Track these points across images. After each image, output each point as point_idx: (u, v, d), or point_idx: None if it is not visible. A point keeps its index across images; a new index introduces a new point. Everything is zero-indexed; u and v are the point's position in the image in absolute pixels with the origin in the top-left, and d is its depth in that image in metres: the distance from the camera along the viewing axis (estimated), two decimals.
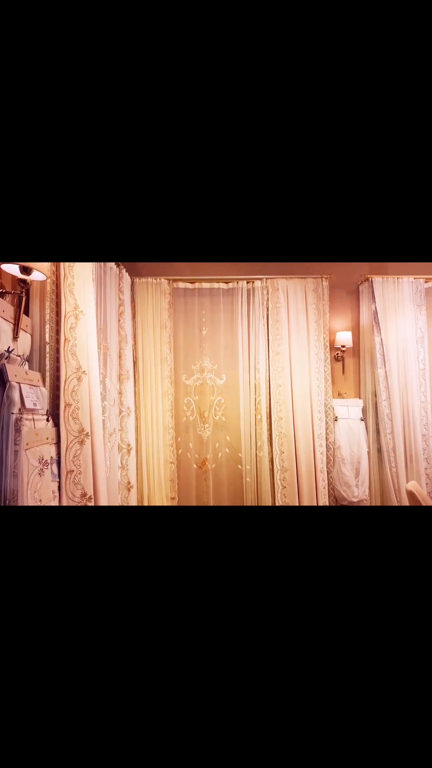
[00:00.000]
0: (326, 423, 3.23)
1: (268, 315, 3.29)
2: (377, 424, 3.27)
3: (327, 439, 3.22)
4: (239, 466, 3.34)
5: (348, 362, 3.46)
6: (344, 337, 3.36)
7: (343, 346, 3.37)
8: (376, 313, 3.27)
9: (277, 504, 3.06)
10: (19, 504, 1.26)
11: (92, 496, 1.71)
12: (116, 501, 2.81)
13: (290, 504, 3.07)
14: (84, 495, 1.68)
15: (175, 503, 3.32)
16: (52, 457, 1.54)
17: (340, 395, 3.40)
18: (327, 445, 3.21)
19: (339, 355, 3.42)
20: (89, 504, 1.70)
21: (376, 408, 3.27)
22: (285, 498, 3.07)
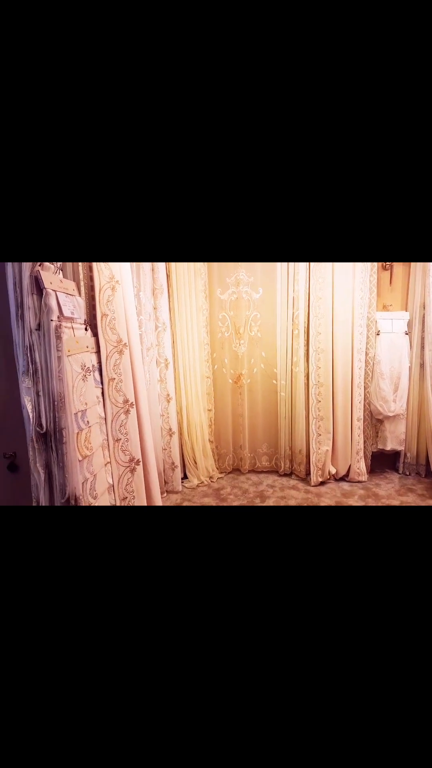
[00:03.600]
0: (367, 337, 3.09)
1: None
2: (422, 339, 3.07)
3: (367, 353, 3.10)
4: (274, 382, 3.37)
5: (397, 271, 3.15)
6: None
7: None
8: None
9: (311, 418, 3.12)
10: (67, 407, 1.36)
11: (134, 402, 1.82)
12: (156, 411, 2.99)
13: (325, 417, 3.12)
14: (126, 401, 1.79)
15: (211, 415, 3.48)
16: (93, 365, 1.61)
17: (384, 308, 3.17)
18: (366, 360, 3.11)
19: (387, 264, 3.11)
20: (131, 410, 1.82)
21: (423, 321, 3.04)
22: (319, 411, 3.11)
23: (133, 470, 1.82)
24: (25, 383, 1.31)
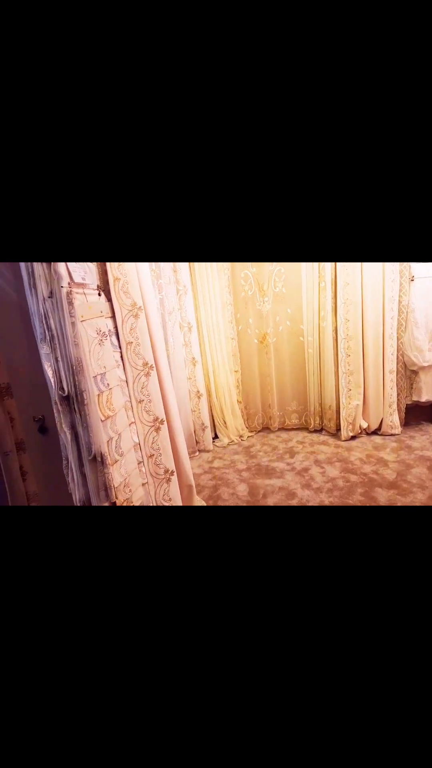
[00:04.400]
0: (400, 284, 2.87)
1: None
2: None
3: (399, 302, 2.91)
4: (301, 338, 3.28)
5: None
6: None
7: None
8: None
9: (340, 373, 3.04)
10: (85, 371, 1.43)
11: (153, 365, 1.87)
12: (183, 374, 3.05)
13: (355, 372, 3.02)
14: (146, 364, 1.84)
15: (238, 376, 3.49)
16: (110, 330, 1.66)
17: None
18: (399, 309, 2.92)
19: None
20: (152, 372, 1.86)
21: None
22: (349, 366, 3.01)
23: (157, 429, 1.90)
24: (44, 350, 1.38)
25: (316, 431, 3.44)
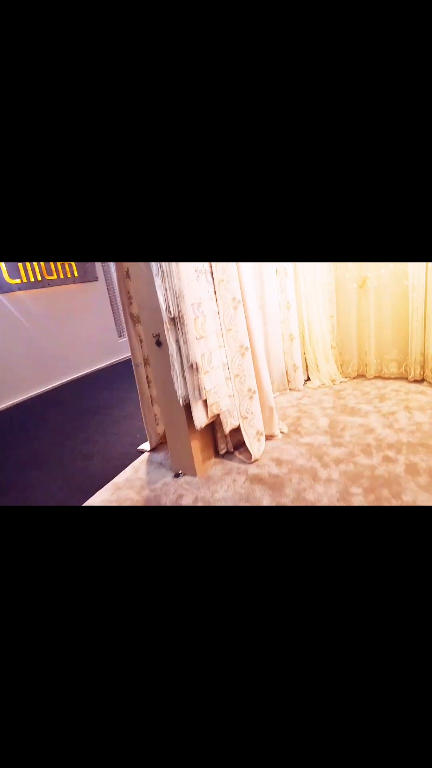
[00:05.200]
0: None
1: None
2: None
3: None
4: (405, 283, 3.16)
5: None
6: None
7: None
8: None
9: None
10: (185, 299, 1.90)
11: (240, 300, 2.25)
12: (277, 318, 3.33)
13: None
14: (234, 299, 2.23)
15: (333, 321, 3.60)
16: (205, 269, 2.09)
17: None
18: None
19: None
20: (239, 306, 2.25)
21: None
22: None
23: (243, 354, 2.32)
24: (157, 282, 1.90)
25: (416, 381, 3.35)
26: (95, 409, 3.92)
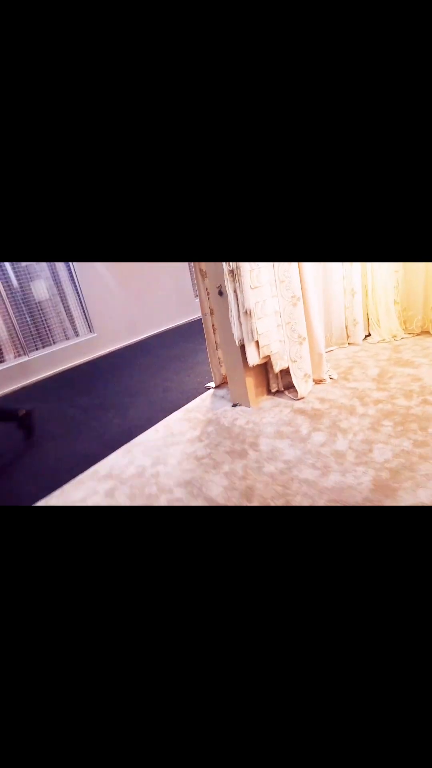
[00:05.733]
0: None
1: None
2: None
3: None
4: None
5: None
6: None
7: None
8: None
9: None
10: None
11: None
12: (338, 274, 3.49)
13: None
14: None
15: (399, 276, 3.61)
16: None
17: None
18: None
19: None
20: None
21: None
22: None
23: (294, 304, 2.65)
24: None
25: None
26: (173, 356, 4.63)
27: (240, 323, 2.51)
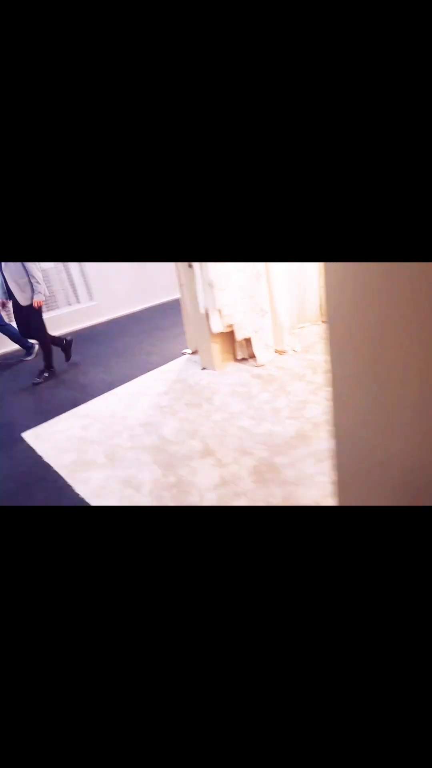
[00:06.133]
0: None
1: None
2: None
3: None
4: None
5: None
6: None
7: None
8: None
9: None
10: None
11: None
12: None
13: None
14: None
15: None
16: None
17: None
18: None
19: None
20: None
21: None
22: None
23: (257, 279, 2.96)
24: None
25: None
26: (162, 327, 5.02)
27: (204, 294, 2.86)
